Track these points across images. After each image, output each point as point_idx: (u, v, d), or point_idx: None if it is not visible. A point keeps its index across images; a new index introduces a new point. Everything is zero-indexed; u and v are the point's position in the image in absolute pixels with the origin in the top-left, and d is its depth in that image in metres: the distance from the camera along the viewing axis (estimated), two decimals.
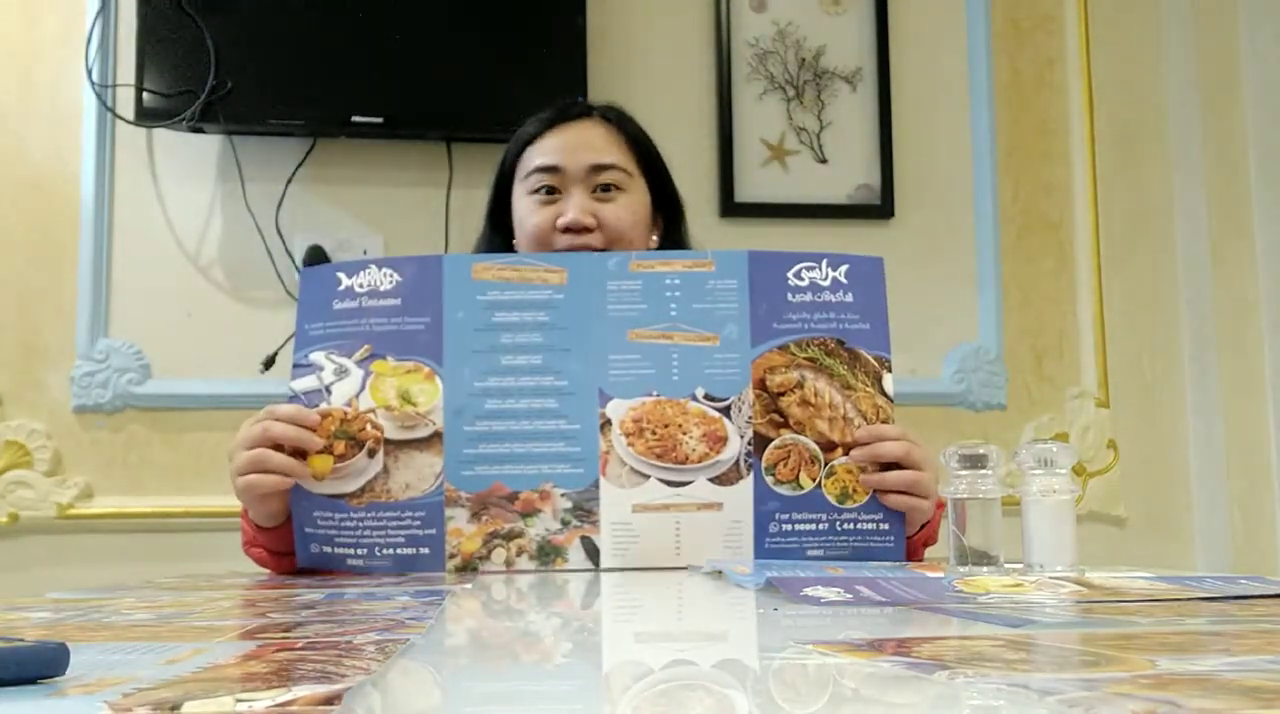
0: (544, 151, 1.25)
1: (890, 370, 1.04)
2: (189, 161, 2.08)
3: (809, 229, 2.21)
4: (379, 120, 2.02)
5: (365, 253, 2.10)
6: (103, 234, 2.05)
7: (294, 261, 2.07)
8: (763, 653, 0.51)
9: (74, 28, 2.07)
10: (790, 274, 1.04)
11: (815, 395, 1.01)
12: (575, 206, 1.20)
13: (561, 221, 1.20)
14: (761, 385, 1.01)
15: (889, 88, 2.24)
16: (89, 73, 2.03)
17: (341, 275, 1.04)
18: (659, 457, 0.99)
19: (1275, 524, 2.11)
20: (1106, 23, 2.34)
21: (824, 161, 2.23)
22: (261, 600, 0.77)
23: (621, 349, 1.01)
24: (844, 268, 1.05)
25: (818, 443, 1.00)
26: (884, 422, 1.01)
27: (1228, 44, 2.23)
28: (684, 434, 1.00)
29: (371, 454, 0.99)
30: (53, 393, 2.03)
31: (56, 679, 0.39)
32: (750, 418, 1.00)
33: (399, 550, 0.97)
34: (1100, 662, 0.42)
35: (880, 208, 2.22)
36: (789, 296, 1.03)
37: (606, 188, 1.23)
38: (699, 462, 0.99)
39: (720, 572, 0.88)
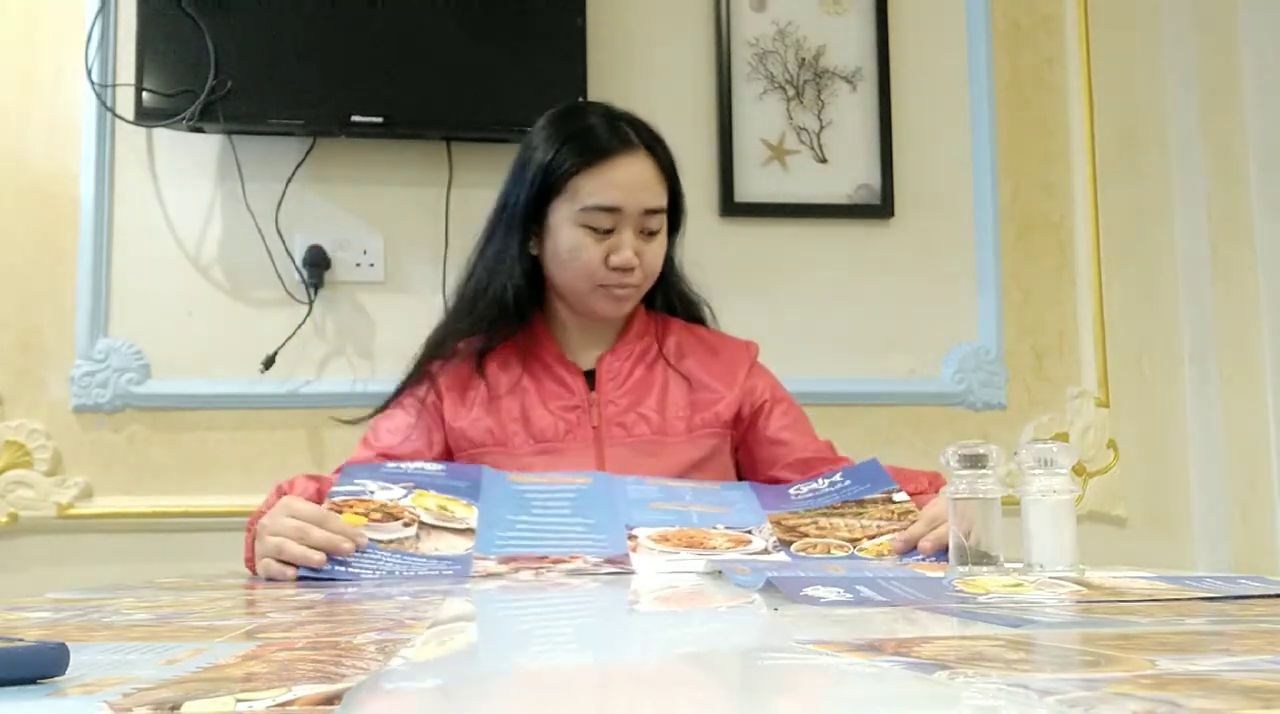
0: (605, 188, 1.29)
1: (899, 489, 1.15)
2: (189, 161, 2.08)
3: (809, 229, 2.21)
4: (379, 120, 2.01)
5: (365, 253, 2.10)
6: (103, 234, 2.05)
7: (294, 261, 2.07)
8: (763, 653, 0.51)
9: (74, 28, 2.07)
10: (790, 491, 1.21)
11: (830, 525, 1.10)
12: (628, 244, 1.30)
13: (615, 260, 1.30)
14: (777, 524, 1.12)
15: (889, 88, 2.24)
16: (89, 73, 2.03)
17: (389, 463, 1.21)
18: (688, 548, 1.04)
19: (1275, 524, 2.10)
20: (1106, 23, 2.34)
21: (824, 161, 2.22)
22: (261, 600, 0.77)
23: (644, 512, 1.12)
24: (838, 473, 1.21)
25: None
26: (901, 513, 1.10)
27: (1228, 44, 2.23)
28: (709, 541, 1.06)
29: (406, 526, 1.04)
30: (53, 392, 2.03)
31: (56, 679, 0.39)
32: (771, 533, 1.09)
33: (420, 573, 0.98)
34: (1100, 662, 0.42)
35: (880, 208, 2.22)
36: (791, 498, 1.20)
37: (651, 232, 1.32)
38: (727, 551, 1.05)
39: (720, 571, 0.88)
